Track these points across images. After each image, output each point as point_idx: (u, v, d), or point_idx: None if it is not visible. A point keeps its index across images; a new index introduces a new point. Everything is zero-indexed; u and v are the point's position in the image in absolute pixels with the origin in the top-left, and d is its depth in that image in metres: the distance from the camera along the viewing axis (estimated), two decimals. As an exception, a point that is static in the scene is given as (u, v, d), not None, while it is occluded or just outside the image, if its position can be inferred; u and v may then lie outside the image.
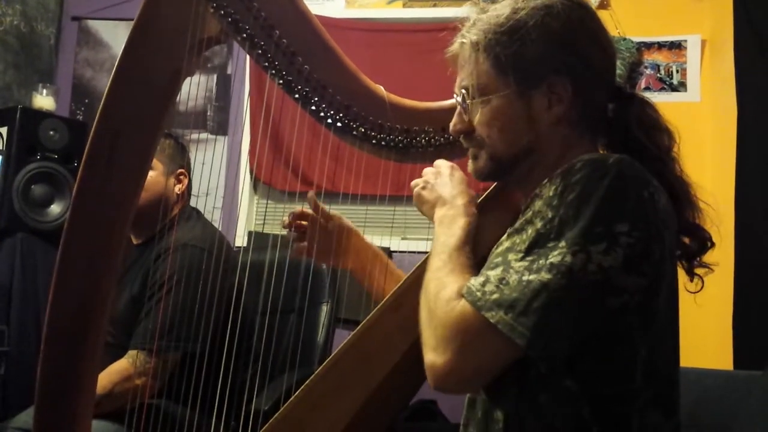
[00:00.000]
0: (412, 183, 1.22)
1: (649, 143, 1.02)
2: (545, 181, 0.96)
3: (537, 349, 0.88)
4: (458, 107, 1.10)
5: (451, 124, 1.12)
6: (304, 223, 1.45)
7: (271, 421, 1.17)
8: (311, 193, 1.44)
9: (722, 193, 2.68)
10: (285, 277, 2.23)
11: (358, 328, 1.20)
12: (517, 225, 0.96)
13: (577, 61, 1.01)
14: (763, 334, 2.49)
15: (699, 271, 1.06)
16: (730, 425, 1.58)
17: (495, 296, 0.90)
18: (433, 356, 0.94)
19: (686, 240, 1.04)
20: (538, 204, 0.94)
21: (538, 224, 0.92)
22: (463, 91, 1.08)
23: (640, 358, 0.93)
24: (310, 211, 1.45)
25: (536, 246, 0.91)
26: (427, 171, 1.21)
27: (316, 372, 1.18)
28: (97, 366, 1.21)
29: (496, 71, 1.03)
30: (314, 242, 1.43)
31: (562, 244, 0.89)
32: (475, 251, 1.06)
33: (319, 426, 1.14)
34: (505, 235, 0.97)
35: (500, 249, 0.95)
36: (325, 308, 2.39)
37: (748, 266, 2.61)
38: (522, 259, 0.91)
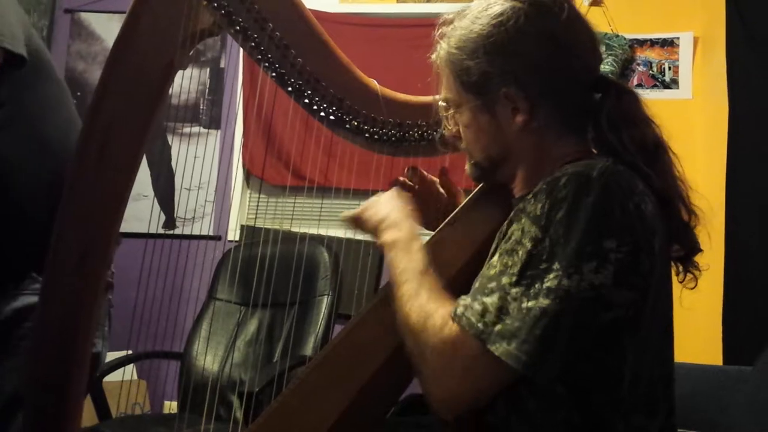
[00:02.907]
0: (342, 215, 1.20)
1: (619, 144, 1.00)
2: (529, 195, 0.96)
3: (540, 373, 0.89)
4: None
5: (442, 129, 1.16)
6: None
7: (264, 412, 1.17)
8: (412, 168, 1.32)
9: (713, 190, 2.70)
10: (285, 270, 2.27)
11: (350, 321, 1.20)
12: (507, 246, 0.95)
13: (529, 68, 1.01)
14: (752, 330, 2.51)
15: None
16: (720, 419, 1.59)
17: (498, 327, 0.89)
18: (432, 387, 0.95)
19: (675, 245, 1.03)
20: (525, 223, 0.93)
21: (529, 245, 0.91)
22: (441, 103, 1.13)
23: (628, 366, 0.93)
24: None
25: (529, 268, 0.90)
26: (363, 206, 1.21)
27: (309, 364, 1.18)
28: (86, 366, 1.20)
29: (459, 86, 1.07)
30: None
31: (556, 266, 0.88)
32: (457, 257, 1.10)
33: (312, 417, 1.14)
34: (496, 255, 0.96)
35: (493, 272, 0.94)
36: (324, 300, 2.43)
37: (738, 262, 2.63)
38: (517, 283, 0.90)
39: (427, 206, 1.30)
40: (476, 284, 0.97)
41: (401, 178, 1.30)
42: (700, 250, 1.06)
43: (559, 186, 0.92)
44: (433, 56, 1.11)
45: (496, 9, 1.03)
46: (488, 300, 0.91)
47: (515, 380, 0.92)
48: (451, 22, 1.09)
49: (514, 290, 0.90)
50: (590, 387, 0.93)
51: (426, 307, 0.98)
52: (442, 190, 1.34)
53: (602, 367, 0.93)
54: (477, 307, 0.92)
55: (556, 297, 0.87)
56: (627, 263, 0.89)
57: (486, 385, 0.93)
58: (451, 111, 1.11)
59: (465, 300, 0.95)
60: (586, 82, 1.05)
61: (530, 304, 0.88)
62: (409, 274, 1.04)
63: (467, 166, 1.14)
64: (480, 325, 0.90)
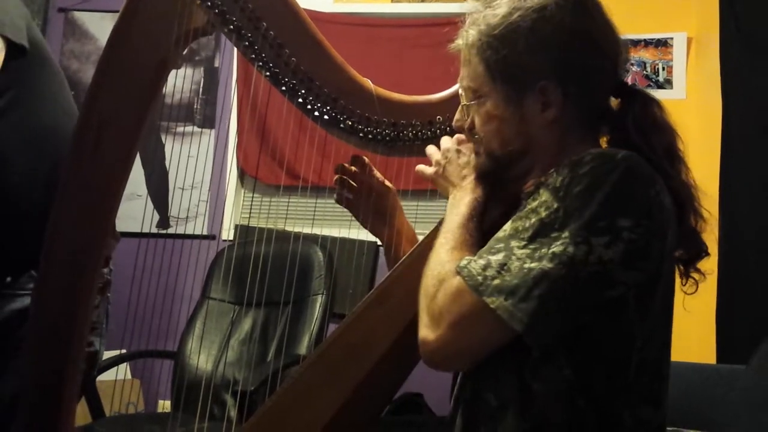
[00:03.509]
0: (418, 168, 1.22)
1: (646, 146, 1.01)
2: (552, 170, 0.97)
3: (534, 335, 0.90)
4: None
5: (454, 119, 1.14)
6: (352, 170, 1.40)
7: (258, 411, 1.18)
8: (363, 158, 1.39)
9: (707, 189, 2.69)
10: (279, 270, 2.27)
11: (344, 320, 1.20)
12: (521, 213, 0.96)
13: (569, 65, 1.01)
14: (746, 329, 2.52)
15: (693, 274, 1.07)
16: (713, 417, 1.60)
17: (496, 282, 0.91)
18: (425, 331, 0.96)
19: (682, 248, 1.04)
20: (544, 193, 0.94)
21: (543, 213, 0.92)
22: (462, 91, 1.10)
23: (636, 352, 0.94)
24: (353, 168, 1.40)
25: (539, 235, 0.91)
26: (434, 153, 1.20)
27: (303, 363, 1.18)
28: (80, 364, 1.19)
29: (488, 75, 1.04)
30: (359, 201, 1.40)
31: (565, 234, 0.89)
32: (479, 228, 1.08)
33: (306, 416, 1.14)
34: (509, 222, 0.97)
35: (503, 235, 0.96)
36: (318, 300, 2.44)
37: (732, 262, 2.63)
38: (525, 247, 0.92)
39: (361, 197, 1.37)
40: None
41: (345, 165, 1.36)
42: (707, 254, 1.06)
43: (582, 162, 0.93)
44: (459, 42, 1.08)
45: (537, 0, 1.01)
46: (493, 258, 0.93)
47: (524, 359, 0.93)
48: (479, 11, 1.06)
49: (520, 252, 0.92)
50: (598, 373, 0.94)
51: (444, 257, 1.01)
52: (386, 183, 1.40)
53: (611, 350, 0.94)
54: (480, 261, 0.94)
55: (560, 263, 0.88)
56: (639, 245, 0.90)
57: (479, 340, 0.94)
58: (470, 101, 1.08)
59: (472, 256, 0.97)
60: (611, 84, 1.06)
61: (532, 265, 0.90)
62: (448, 227, 1.07)
63: (474, 158, 1.12)
64: (479, 277, 0.92)
